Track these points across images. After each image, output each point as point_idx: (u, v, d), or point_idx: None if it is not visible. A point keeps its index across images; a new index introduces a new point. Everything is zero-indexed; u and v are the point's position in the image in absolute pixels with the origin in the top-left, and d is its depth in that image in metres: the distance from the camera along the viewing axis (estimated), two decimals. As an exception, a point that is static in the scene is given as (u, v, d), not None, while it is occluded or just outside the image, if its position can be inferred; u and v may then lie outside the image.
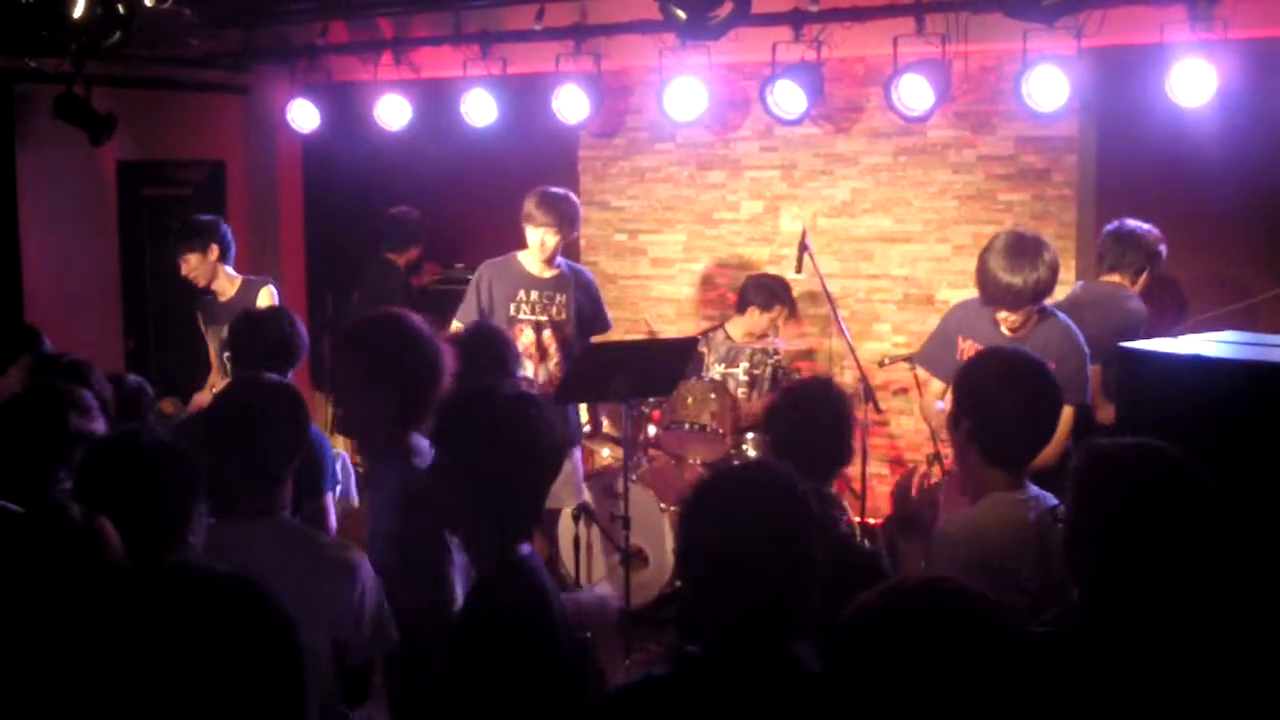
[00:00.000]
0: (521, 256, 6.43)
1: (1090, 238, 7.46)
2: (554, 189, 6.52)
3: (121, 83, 8.22)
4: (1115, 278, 6.29)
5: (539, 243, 6.25)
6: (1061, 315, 5.27)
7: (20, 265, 8.12)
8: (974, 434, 3.38)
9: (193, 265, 6.74)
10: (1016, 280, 4.89)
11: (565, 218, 6.27)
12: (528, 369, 6.13)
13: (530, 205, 6.31)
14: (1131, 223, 6.38)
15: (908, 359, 7.21)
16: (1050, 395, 3.53)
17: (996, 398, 3.38)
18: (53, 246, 8.25)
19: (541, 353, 6.23)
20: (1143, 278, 6.31)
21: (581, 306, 6.39)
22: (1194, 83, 6.47)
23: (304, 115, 9.11)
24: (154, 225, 8.98)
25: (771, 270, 8.15)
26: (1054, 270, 4.98)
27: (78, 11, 5.91)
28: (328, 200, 9.65)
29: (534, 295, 6.31)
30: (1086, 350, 5.19)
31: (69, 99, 7.91)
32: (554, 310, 6.27)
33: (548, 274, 6.34)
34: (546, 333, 6.25)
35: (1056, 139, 7.50)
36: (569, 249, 7.16)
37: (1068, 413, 4.98)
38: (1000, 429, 3.37)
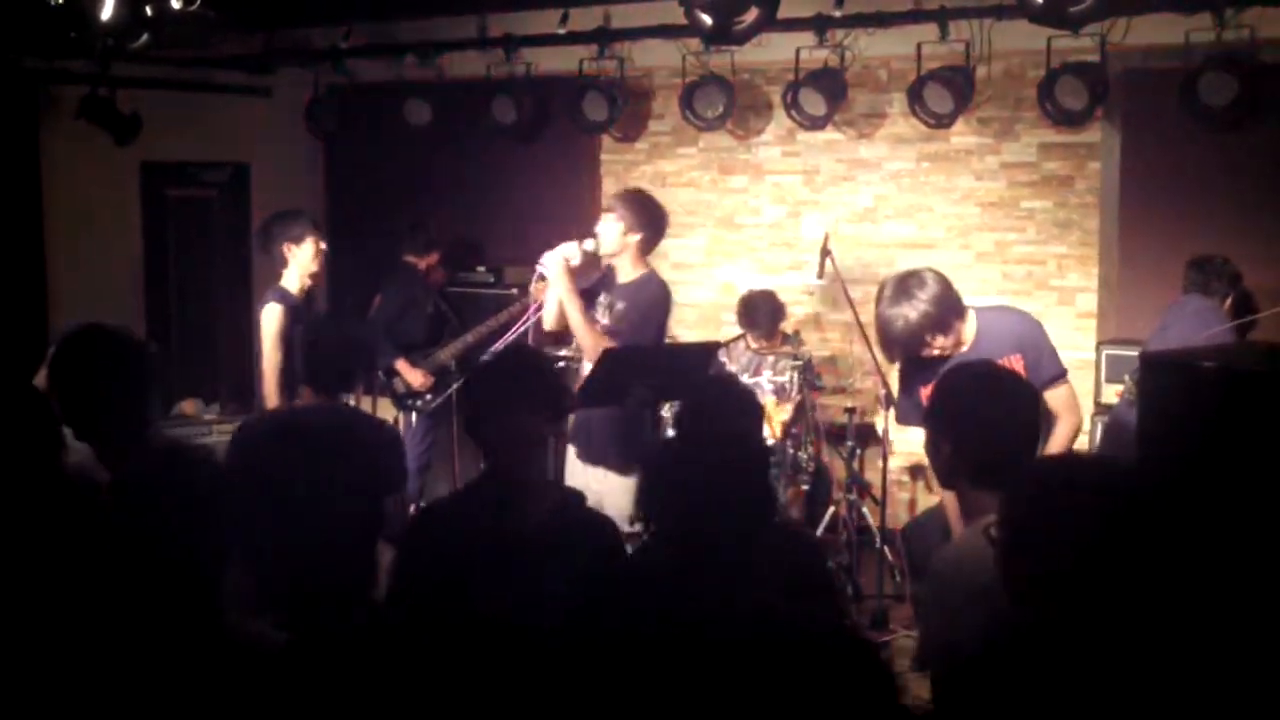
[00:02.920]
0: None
1: (1113, 245, 7.44)
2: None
3: (146, 84, 8.26)
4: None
5: (600, 229, 5.91)
6: (995, 308, 5.27)
7: (45, 265, 8.17)
8: (955, 457, 3.25)
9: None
10: (899, 324, 4.85)
11: (627, 205, 5.88)
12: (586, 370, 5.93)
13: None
14: (1209, 254, 6.56)
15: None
16: (1027, 395, 3.44)
17: (973, 415, 3.25)
18: (77, 247, 8.29)
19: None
20: (1228, 302, 6.48)
21: (632, 321, 5.88)
22: (1218, 89, 6.47)
23: (327, 117, 9.17)
24: (178, 227, 9.03)
25: (794, 275, 8.15)
26: (939, 300, 4.87)
27: (105, 14, 5.93)
28: (350, 202, 9.68)
29: (606, 299, 5.95)
30: (1039, 324, 5.16)
31: (95, 100, 7.97)
32: (611, 317, 5.89)
33: (623, 280, 5.94)
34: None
35: (1080, 146, 7.47)
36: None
37: (1063, 390, 4.99)
38: (982, 447, 3.21)
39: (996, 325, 5.05)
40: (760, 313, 7.46)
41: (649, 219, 5.96)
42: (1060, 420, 4.99)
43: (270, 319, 6.20)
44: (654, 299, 5.94)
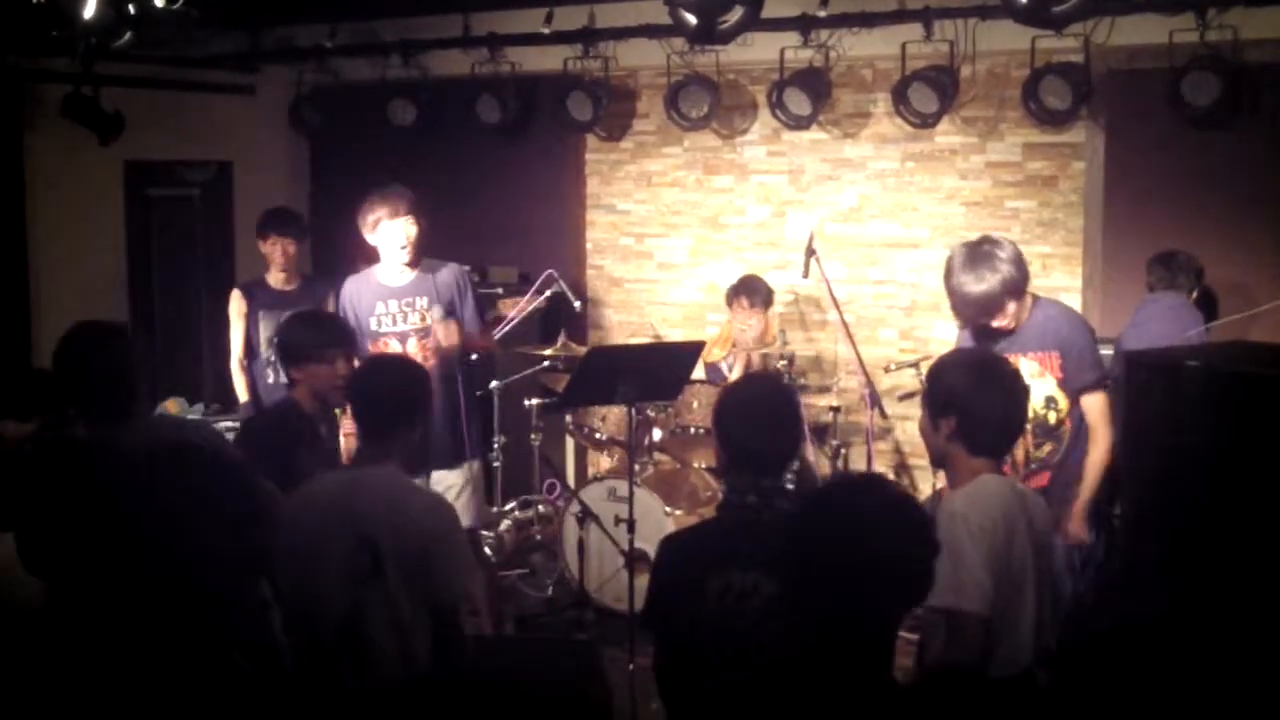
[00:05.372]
0: (377, 268, 5.88)
1: (1097, 245, 7.46)
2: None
3: (130, 83, 8.22)
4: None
5: (397, 237, 5.74)
6: (1051, 300, 5.17)
7: (28, 263, 8.13)
8: (958, 433, 3.48)
9: (291, 254, 6.94)
10: (983, 287, 4.77)
11: (418, 207, 5.81)
12: None
13: (375, 201, 5.78)
14: (1172, 249, 6.59)
15: (914, 365, 7.21)
16: (1020, 383, 3.66)
17: (976, 396, 3.47)
18: (60, 245, 8.25)
19: None
20: (1194, 296, 6.53)
21: (452, 307, 5.81)
22: (1202, 89, 6.49)
23: (311, 116, 9.15)
24: (161, 225, 8.99)
25: (778, 274, 8.16)
26: (1017, 262, 4.84)
27: (88, 12, 5.91)
28: (334, 202, 9.65)
29: (391, 306, 5.81)
30: (1088, 327, 5.13)
31: (78, 98, 7.93)
32: (416, 318, 5.76)
33: (403, 280, 5.82)
34: (413, 343, 5.74)
35: (1064, 146, 7.48)
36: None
37: (1099, 400, 4.89)
38: (983, 425, 3.49)
39: (1047, 316, 4.98)
40: (757, 281, 7.47)
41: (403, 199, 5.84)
42: (1094, 440, 4.88)
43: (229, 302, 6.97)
44: (455, 274, 5.90)
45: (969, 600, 3.24)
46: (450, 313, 5.77)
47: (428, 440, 4.74)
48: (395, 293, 5.81)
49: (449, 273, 5.90)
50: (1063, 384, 4.89)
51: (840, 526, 2.58)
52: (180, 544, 2.50)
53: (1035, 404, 4.81)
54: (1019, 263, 4.85)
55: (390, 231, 5.75)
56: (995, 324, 4.90)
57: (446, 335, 5.64)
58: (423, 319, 5.76)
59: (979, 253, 4.83)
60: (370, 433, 3.88)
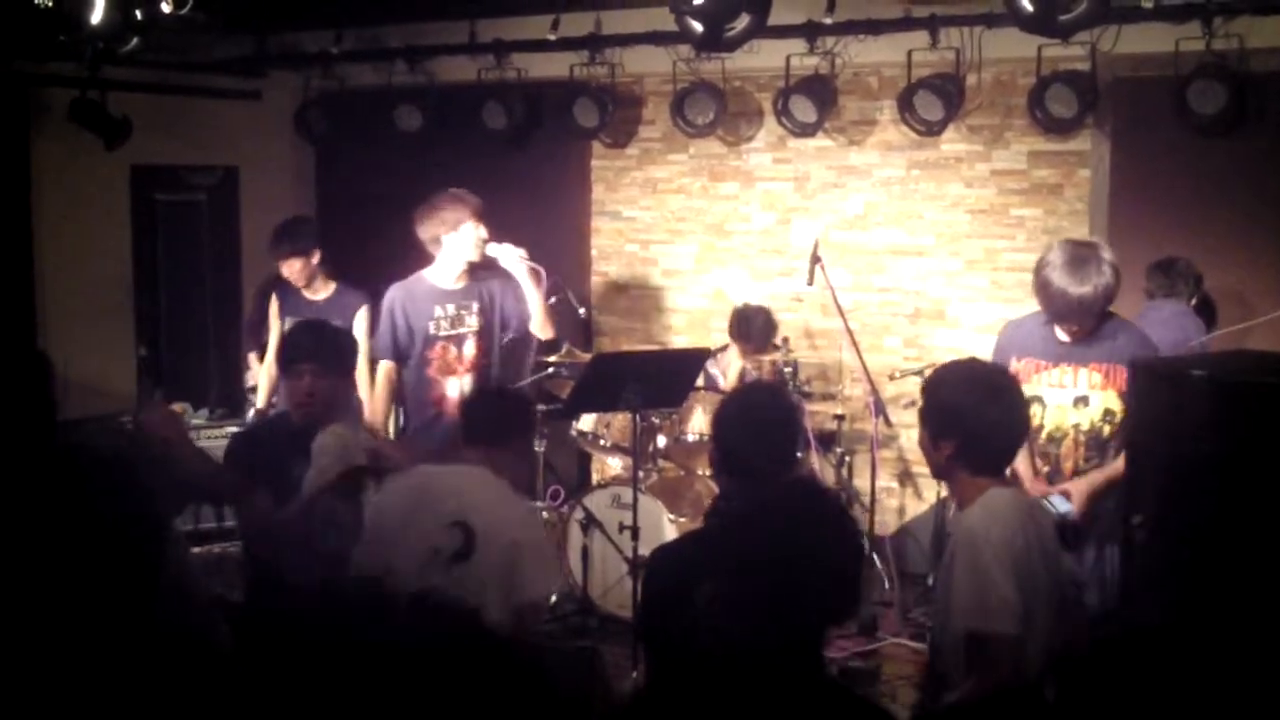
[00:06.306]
0: (427, 273, 6.13)
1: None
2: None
3: (136, 88, 8.24)
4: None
5: (476, 239, 6.05)
6: (1126, 320, 5.10)
7: (34, 268, 8.15)
8: (959, 455, 3.43)
9: (295, 269, 6.93)
10: (1086, 290, 4.69)
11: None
12: (448, 385, 5.98)
13: (454, 201, 6.11)
14: (1172, 256, 6.61)
15: (918, 373, 7.20)
16: (1020, 396, 3.60)
17: (977, 418, 3.40)
18: (66, 250, 8.27)
19: (454, 368, 5.96)
20: (1193, 303, 6.56)
21: (505, 309, 6.12)
22: (1208, 98, 6.49)
23: (317, 122, 9.15)
24: (167, 230, 9.01)
25: (783, 281, 8.16)
26: (1117, 270, 4.78)
27: (95, 17, 5.92)
28: (340, 208, 9.66)
29: (449, 309, 6.02)
30: (1158, 351, 5.06)
31: (84, 103, 7.94)
32: (473, 321, 6.00)
33: (459, 284, 6.06)
34: (470, 344, 5.98)
35: (1069, 154, 7.48)
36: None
37: None
38: (985, 444, 3.43)
39: (1120, 333, 4.91)
40: (754, 326, 7.45)
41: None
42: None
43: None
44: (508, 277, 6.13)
45: (998, 621, 3.21)
46: (506, 316, 6.09)
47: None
48: (451, 296, 6.02)
49: (498, 282, 6.12)
50: (1125, 397, 4.80)
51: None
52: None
53: (1093, 416, 4.82)
54: (1119, 274, 4.78)
55: (472, 232, 6.03)
56: (1065, 334, 4.85)
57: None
58: (480, 321, 5.97)
59: (1084, 254, 4.75)
60: (467, 443, 4.18)
